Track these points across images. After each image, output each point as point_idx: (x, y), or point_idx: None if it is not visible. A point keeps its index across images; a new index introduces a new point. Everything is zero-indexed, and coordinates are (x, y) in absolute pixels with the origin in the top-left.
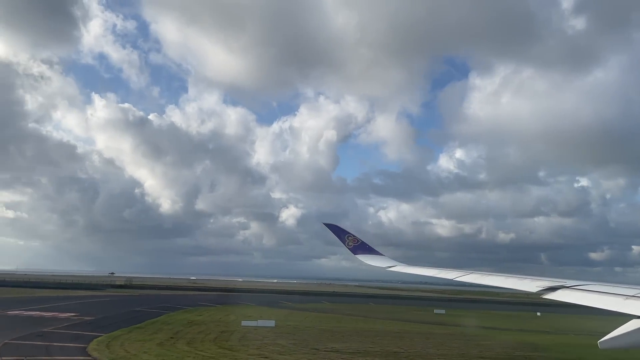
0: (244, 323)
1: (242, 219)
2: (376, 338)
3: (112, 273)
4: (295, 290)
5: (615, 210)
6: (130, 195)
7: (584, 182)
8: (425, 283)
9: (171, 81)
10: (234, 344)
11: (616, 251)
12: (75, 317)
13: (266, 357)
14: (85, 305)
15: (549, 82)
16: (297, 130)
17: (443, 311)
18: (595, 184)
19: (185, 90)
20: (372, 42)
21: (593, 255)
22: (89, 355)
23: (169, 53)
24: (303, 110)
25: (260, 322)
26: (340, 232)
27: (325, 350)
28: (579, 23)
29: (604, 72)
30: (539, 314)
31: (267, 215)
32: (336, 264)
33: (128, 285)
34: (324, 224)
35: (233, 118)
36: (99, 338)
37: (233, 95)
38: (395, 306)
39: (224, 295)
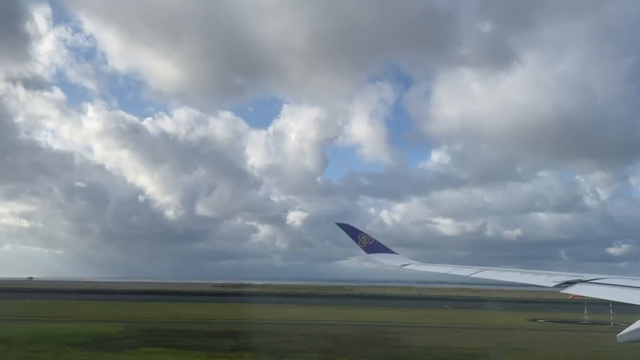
0: None
1: (253, 223)
2: None
3: (31, 277)
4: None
5: (613, 205)
6: (135, 202)
7: (566, 177)
8: (445, 282)
9: (128, 92)
10: None
11: (633, 245)
12: None
13: None
14: None
15: (482, 80)
16: (281, 133)
17: None
18: (579, 179)
19: (143, 101)
20: (299, 49)
21: (612, 251)
22: None
23: (118, 66)
24: (285, 113)
25: None
26: (353, 232)
27: None
28: (487, 25)
29: (521, 70)
30: None
31: (273, 218)
32: (358, 264)
33: None
34: (337, 224)
35: (218, 124)
36: None
37: (192, 104)
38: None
39: None
